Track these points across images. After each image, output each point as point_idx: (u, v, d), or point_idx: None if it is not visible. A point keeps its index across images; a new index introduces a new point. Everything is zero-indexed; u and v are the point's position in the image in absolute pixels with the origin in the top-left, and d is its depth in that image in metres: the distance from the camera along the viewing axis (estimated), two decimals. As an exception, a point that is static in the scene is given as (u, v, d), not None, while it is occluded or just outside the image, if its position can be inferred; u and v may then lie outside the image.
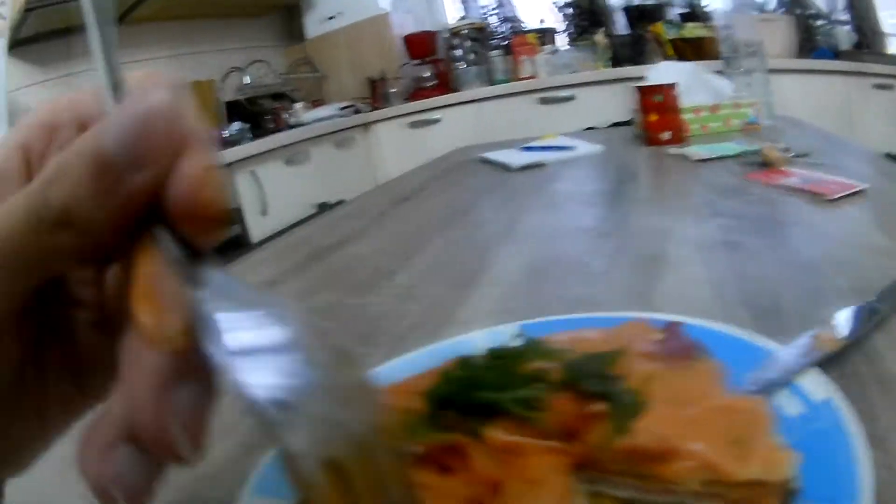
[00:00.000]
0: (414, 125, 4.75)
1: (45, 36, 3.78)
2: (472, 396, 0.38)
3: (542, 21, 5.35)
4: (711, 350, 0.48)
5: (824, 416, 0.41)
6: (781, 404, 0.44)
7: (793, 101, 3.82)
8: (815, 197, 1.12)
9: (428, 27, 5.24)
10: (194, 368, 0.26)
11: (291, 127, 4.56)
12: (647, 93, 1.92)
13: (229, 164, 3.56)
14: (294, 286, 1.07)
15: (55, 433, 0.34)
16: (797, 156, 1.45)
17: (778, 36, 4.45)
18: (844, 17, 4.57)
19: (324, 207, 3.51)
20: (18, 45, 3.45)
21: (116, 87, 0.28)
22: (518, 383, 0.39)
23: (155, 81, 0.29)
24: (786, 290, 0.74)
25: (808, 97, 4.01)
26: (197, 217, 0.27)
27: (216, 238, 0.28)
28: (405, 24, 5.18)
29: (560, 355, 0.43)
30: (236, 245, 3.14)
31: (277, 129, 4.52)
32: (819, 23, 4.62)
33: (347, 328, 0.82)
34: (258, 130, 4.42)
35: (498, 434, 0.37)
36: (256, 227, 3.62)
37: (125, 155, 0.26)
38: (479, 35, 5.12)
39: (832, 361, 0.53)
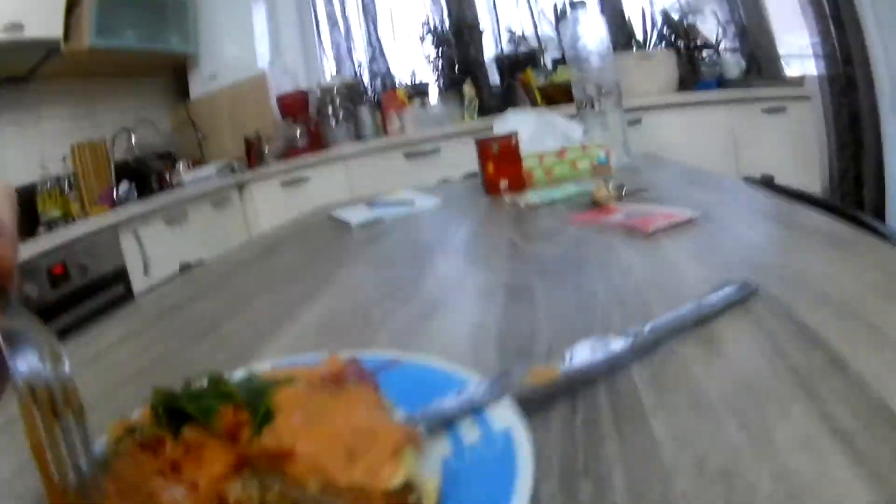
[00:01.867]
0: (286, 184, 4.81)
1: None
2: (178, 406, 0.49)
3: (413, 74, 5.47)
4: (401, 382, 0.57)
5: (497, 444, 0.47)
6: (461, 431, 0.51)
7: (675, 136, 3.94)
8: (633, 232, 1.17)
9: (303, 85, 5.32)
10: None
11: (173, 187, 4.62)
12: (484, 145, 2.01)
13: (115, 225, 3.61)
14: (137, 342, 1.16)
15: None
16: (632, 192, 1.51)
17: (657, 72, 4.55)
18: (734, 45, 4.73)
19: (186, 268, 3.56)
20: None
21: None
22: (202, 401, 0.49)
23: None
24: (549, 330, 0.79)
25: (693, 130, 4.14)
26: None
27: (10, 285, 0.46)
28: (282, 84, 5.26)
29: (249, 382, 0.53)
30: (121, 302, 3.16)
31: (161, 189, 4.58)
32: (704, 54, 4.76)
33: (167, 371, 0.92)
34: (143, 190, 4.48)
35: (186, 431, 0.47)
36: (139, 285, 3.65)
37: None
38: (350, 92, 5.21)
39: (559, 397, 0.57)
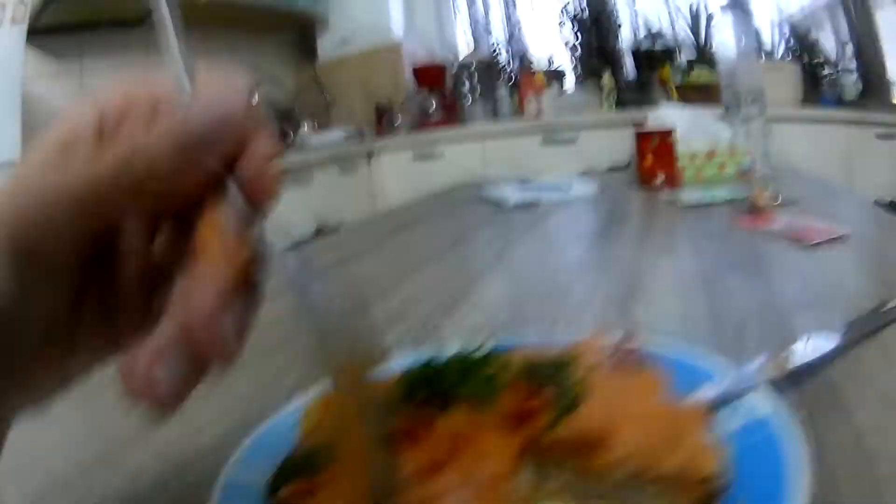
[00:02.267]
0: (418, 157, 4.76)
1: (61, 28, 3.78)
2: (436, 385, 0.44)
3: (550, 59, 5.41)
4: (661, 365, 0.52)
5: (764, 431, 0.44)
6: (725, 418, 0.47)
7: (795, 148, 3.82)
8: (797, 242, 1.14)
9: (438, 58, 5.28)
10: (246, 285, 0.35)
11: (296, 147, 4.60)
12: (644, 137, 1.96)
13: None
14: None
15: (76, 376, 0.39)
16: (786, 202, 1.48)
17: (783, 83, 4.44)
18: (851, 65, 4.59)
19: (321, 230, 3.54)
20: (34, 34, 3.41)
21: (188, 77, 0.36)
22: (477, 377, 0.45)
23: (229, 81, 0.37)
24: (752, 323, 0.78)
25: (810, 145, 4.00)
26: (263, 185, 0.36)
27: (273, 202, 0.37)
28: (416, 54, 5.22)
29: (516, 360, 0.48)
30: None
31: (284, 148, 4.54)
32: (826, 71, 4.63)
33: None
34: (265, 148, 4.45)
35: (457, 415, 0.42)
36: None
37: (206, 137, 0.34)
38: (487, 70, 5.15)
39: (786, 386, 0.56)
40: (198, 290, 0.33)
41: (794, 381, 0.59)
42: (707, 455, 0.40)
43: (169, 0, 0.38)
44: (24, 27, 3.29)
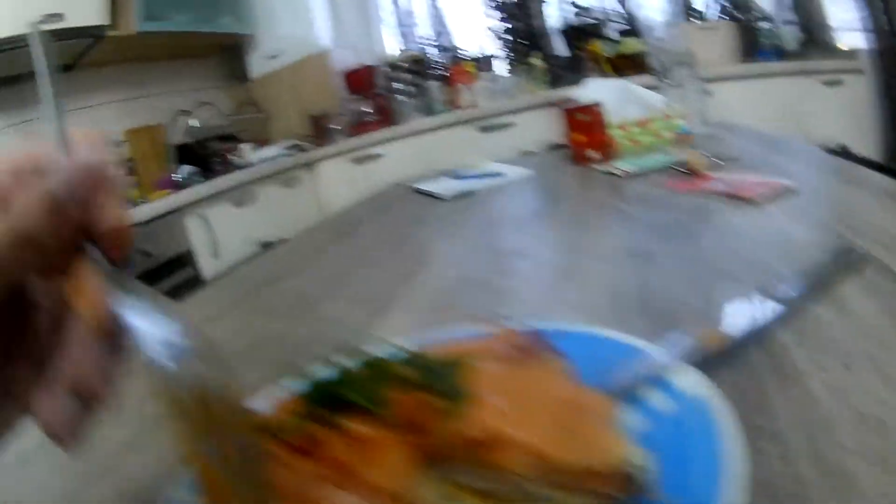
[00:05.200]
0: (357, 161, 4.77)
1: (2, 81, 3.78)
2: (335, 395, 0.43)
3: (480, 48, 5.41)
4: (573, 352, 0.50)
5: (693, 413, 0.43)
6: (650, 401, 0.47)
7: (740, 107, 3.85)
8: (736, 199, 1.15)
9: (368, 61, 5.26)
10: (111, 336, 0.39)
11: (238, 168, 4.56)
12: (571, 114, 1.96)
13: (180, 208, 3.59)
14: (232, 320, 1.11)
15: (19, 414, 0.41)
16: (726, 162, 1.48)
17: (718, 44, 4.47)
18: (790, 17, 4.60)
19: (267, 246, 3.54)
20: None
21: (61, 136, 0.40)
22: (368, 387, 0.43)
23: (91, 140, 0.41)
24: (686, 293, 0.77)
25: (754, 101, 4.05)
26: (117, 239, 0.40)
27: (129, 254, 0.41)
28: (345, 60, 5.21)
29: (418, 361, 0.46)
30: (191, 286, 3.14)
31: (225, 171, 4.50)
32: (763, 26, 4.65)
33: (276, 352, 0.87)
34: (207, 173, 4.42)
35: (351, 425, 0.41)
36: (209, 269, 3.64)
37: (70, 197, 0.38)
38: (417, 67, 5.17)
39: (724, 361, 0.55)
40: (75, 346, 0.40)
41: (733, 350, 0.58)
42: (612, 446, 0.39)
43: (47, 57, 0.43)
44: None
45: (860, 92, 3.93)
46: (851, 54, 4.08)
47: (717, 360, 0.55)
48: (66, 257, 0.39)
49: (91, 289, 0.39)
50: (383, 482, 0.38)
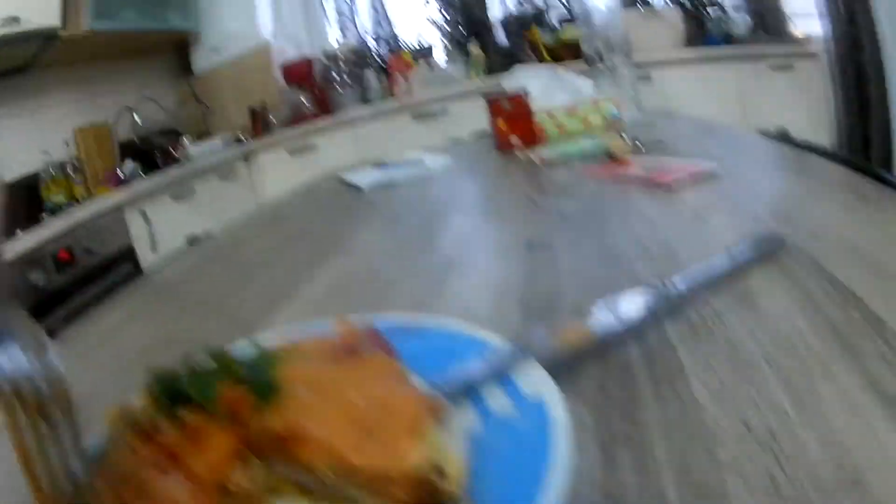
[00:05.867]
0: (294, 151, 4.76)
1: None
2: (175, 389, 0.45)
3: (420, 39, 5.41)
4: (417, 347, 0.52)
5: (528, 415, 0.43)
6: (487, 400, 0.47)
7: (682, 93, 3.89)
8: (653, 185, 1.13)
9: (308, 53, 5.25)
10: None
11: (179, 163, 4.56)
12: (494, 103, 1.96)
13: (121, 205, 3.59)
14: (144, 321, 1.12)
15: None
16: (649, 145, 1.47)
17: (664, 30, 4.49)
18: (739, 3, 4.61)
19: (194, 241, 3.54)
20: None
21: None
22: (201, 381, 0.45)
23: None
24: (574, 287, 0.77)
25: (699, 88, 4.09)
26: None
27: None
28: (287, 52, 5.20)
29: (247, 358, 0.48)
30: (130, 281, 3.12)
31: (167, 166, 4.51)
32: (711, 12, 4.66)
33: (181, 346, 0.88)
34: (150, 168, 4.42)
35: (184, 414, 0.43)
36: (149, 263, 3.63)
37: None
38: (357, 58, 5.16)
39: (600, 355, 0.54)
40: None
41: (604, 349, 0.56)
42: (415, 452, 0.39)
43: None
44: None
45: (812, 77, 3.93)
46: (805, 41, 4.08)
47: (587, 358, 0.54)
48: None
49: None
50: (202, 469, 0.40)
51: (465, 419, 0.46)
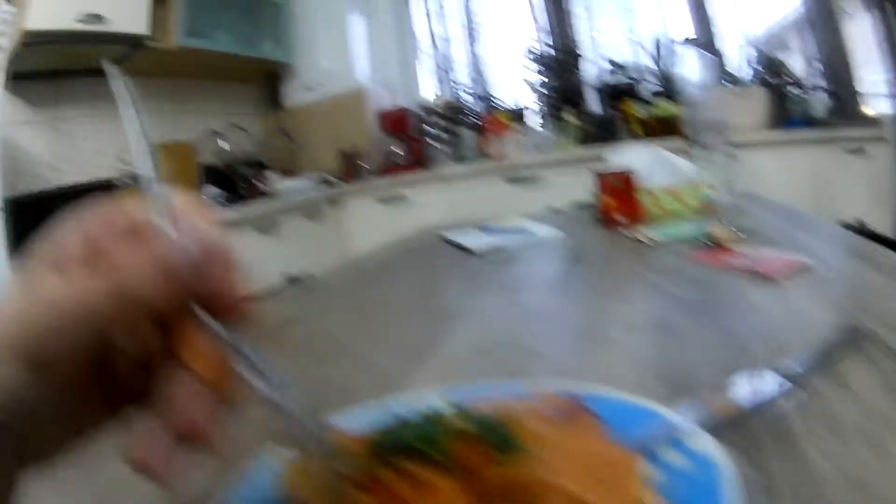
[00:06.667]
0: (384, 201, 4.78)
1: (37, 75, 3.83)
2: (399, 440, 0.48)
3: (516, 100, 5.46)
4: (602, 414, 0.56)
5: (703, 469, 0.48)
6: (667, 458, 0.51)
7: (765, 174, 3.85)
8: (757, 276, 1.17)
9: (404, 103, 5.31)
10: (222, 389, 0.41)
11: (262, 195, 4.60)
12: (605, 178, 1.98)
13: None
14: (277, 361, 1.13)
15: (83, 441, 0.43)
16: (748, 235, 1.49)
17: (750, 109, 4.47)
18: (820, 83, 4.62)
19: (294, 281, 3.54)
20: (10, 79, 3.48)
21: (163, 200, 0.43)
22: (431, 435, 0.48)
23: (201, 212, 0.44)
24: (703, 365, 0.81)
25: (781, 169, 4.06)
26: (234, 312, 0.42)
27: (239, 322, 0.43)
28: (382, 99, 5.25)
29: (468, 416, 0.51)
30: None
31: (250, 197, 4.55)
32: (795, 92, 4.65)
33: (309, 394, 0.89)
34: (232, 196, 4.46)
35: (413, 467, 0.46)
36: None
37: (187, 268, 0.40)
38: (452, 113, 5.20)
39: (731, 427, 0.59)
40: (186, 401, 0.40)
41: (740, 420, 0.61)
42: (639, 494, 0.45)
43: (130, 94, 0.46)
44: (2, 74, 3.35)
45: (882, 161, 3.93)
46: (875, 121, 4.08)
47: (725, 425, 0.60)
48: (174, 320, 0.40)
49: (202, 344, 0.41)
50: None
51: (652, 471, 0.50)
